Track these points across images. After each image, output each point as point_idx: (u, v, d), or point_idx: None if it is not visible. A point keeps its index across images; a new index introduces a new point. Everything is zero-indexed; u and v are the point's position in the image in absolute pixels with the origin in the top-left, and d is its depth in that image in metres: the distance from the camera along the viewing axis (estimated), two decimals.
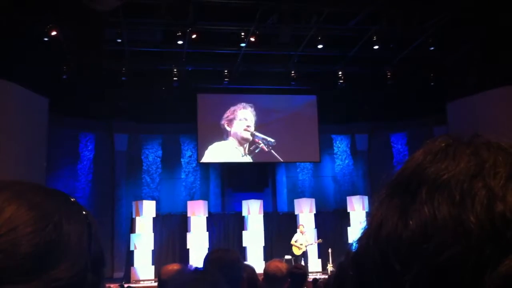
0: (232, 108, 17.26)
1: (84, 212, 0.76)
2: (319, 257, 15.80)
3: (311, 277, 10.76)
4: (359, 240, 0.60)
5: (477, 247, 0.50)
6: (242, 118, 17.23)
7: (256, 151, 17.08)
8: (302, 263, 13.59)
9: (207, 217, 16.15)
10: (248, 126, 17.17)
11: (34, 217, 0.69)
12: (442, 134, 0.62)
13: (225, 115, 17.17)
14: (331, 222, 16.92)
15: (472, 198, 0.52)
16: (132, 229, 15.81)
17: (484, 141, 0.58)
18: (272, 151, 17.08)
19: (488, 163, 0.54)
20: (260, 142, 17.10)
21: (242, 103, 17.31)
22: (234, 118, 17.20)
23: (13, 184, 0.73)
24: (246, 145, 17.09)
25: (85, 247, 0.72)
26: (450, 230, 0.51)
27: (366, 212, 0.70)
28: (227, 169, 17.77)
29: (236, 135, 17.10)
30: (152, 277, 15.04)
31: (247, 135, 17.12)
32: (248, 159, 17.08)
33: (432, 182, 0.54)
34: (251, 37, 13.68)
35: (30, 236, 0.67)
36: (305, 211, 16.56)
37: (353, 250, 0.60)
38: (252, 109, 17.31)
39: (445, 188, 0.53)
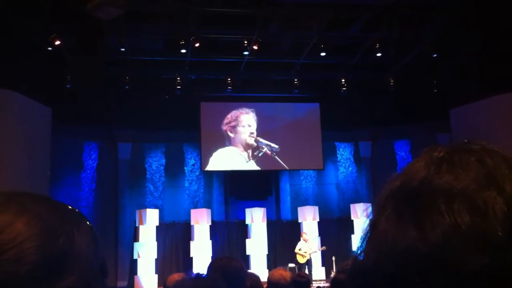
0: (234, 114, 17.25)
1: (88, 223, 0.78)
2: (323, 265, 15.76)
3: (315, 285, 10.74)
4: (366, 255, 0.58)
5: (504, 256, 0.49)
6: (246, 124, 17.26)
7: (260, 155, 17.09)
8: (306, 271, 13.57)
9: (210, 225, 16.14)
10: (251, 133, 17.20)
11: (44, 229, 0.70)
12: (434, 144, 0.62)
13: (226, 120, 17.18)
14: (334, 230, 16.89)
15: (492, 206, 0.51)
16: (135, 238, 15.80)
17: (483, 148, 0.58)
18: (276, 157, 17.10)
19: (498, 171, 0.54)
20: (263, 147, 17.13)
21: (244, 108, 17.33)
22: (237, 125, 17.22)
23: (19, 196, 0.74)
24: (250, 151, 17.12)
25: (93, 258, 0.74)
26: (475, 241, 0.50)
27: (363, 226, 0.66)
28: (230, 177, 17.78)
29: (241, 141, 17.12)
30: (156, 285, 15.03)
31: (252, 141, 17.15)
32: (252, 163, 17.08)
33: (447, 193, 0.53)
34: (253, 45, 13.72)
35: (41, 247, 0.68)
36: (309, 219, 16.54)
37: (357, 266, 0.59)
38: (254, 113, 17.34)
39: (462, 197, 0.53)
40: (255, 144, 17.14)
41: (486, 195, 0.52)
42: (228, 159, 16.98)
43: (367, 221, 0.62)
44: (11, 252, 0.67)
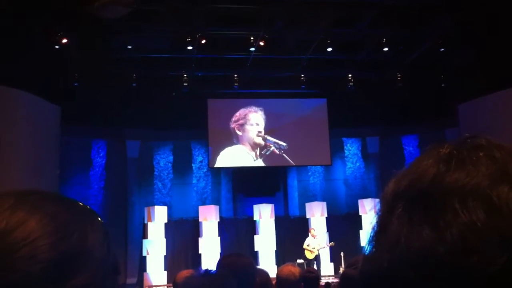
0: (242, 112, 17.24)
1: (100, 220, 0.78)
2: (331, 261, 15.75)
3: (323, 281, 10.73)
4: (379, 257, 0.57)
5: None
6: (254, 123, 17.24)
7: (267, 153, 17.09)
8: (315, 267, 13.56)
9: (218, 222, 16.16)
10: (259, 132, 17.19)
11: (57, 227, 0.71)
12: (439, 141, 0.61)
13: (235, 118, 17.17)
14: (343, 226, 16.85)
15: (506, 203, 0.51)
16: (144, 235, 15.86)
17: (490, 143, 0.57)
18: (284, 154, 17.08)
19: (509, 165, 0.54)
20: (271, 145, 17.12)
21: (253, 107, 17.31)
22: (245, 123, 17.21)
23: (32, 194, 0.75)
24: (257, 150, 17.11)
25: (106, 255, 0.74)
26: (492, 238, 0.49)
27: (371, 225, 0.64)
28: (238, 174, 17.78)
29: (249, 140, 17.10)
30: (165, 282, 15.08)
31: (259, 140, 17.13)
32: (260, 162, 17.09)
33: (460, 191, 0.52)
34: (260, 41, 13.70)
35: (54, 245, 0.69)
36: (317, 215, 16.53)
37: (370, 268, 0.58)
38: (262, 112, 17.33)
39: (476, 195, 0.52)
40: (262, 143, 17.12)
41: (499, 191, 0.51)
42: (235, 157, 16.99)
43: (375, 220, 0.61)
44: (25, 250, 0.67)
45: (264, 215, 16.30)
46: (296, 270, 3.66)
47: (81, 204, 0.79)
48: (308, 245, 14.45)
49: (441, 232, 0.51)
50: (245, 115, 17.25)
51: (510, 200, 0.50)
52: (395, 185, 0.59)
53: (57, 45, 12.82)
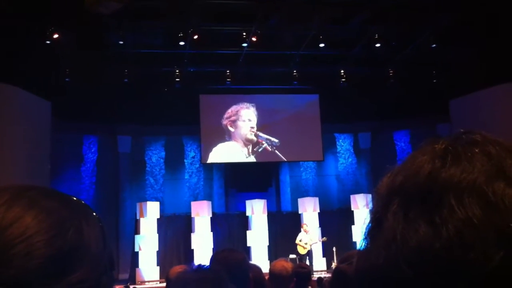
0: (234, 108, 17.24)
1: (96, 215, 0.78)
2: (323, 256, 15.80)
3: (316, 276, 10.76)
4: (375, 254, 0.56)
5: None
6: (246, 119, 17.24)
7: (260, 150, 17.10)
8: (307, 262, 13.60)
9: (211, 217, 16.15)
10: (252, 128, 17.19)
11: (53, 222, 0.70)
12: (434, 136, 0.60)
13: (227, 115, 17.17)
14: (335, 221, 16.89)
15: (501, 198, 0.50)
16: (136, 231, 15.83)
17: (485, 138, 0.57)
18: (276, 151, 17.11)
19: (504, 161, 0.53)
20: (263, 142, 17.13)
21: (245, 103, 17.32)
22: (237, 119, 17.20)
23: (27, 190, 0.74)
24: (250, 146, 17.12)
25: (102, 250, 0.74)
26: (488, 234, 0.49)
27: (365, 222, 0.64)
28: (230, 170, 17.79)
29: (241, 136, 17.11)
30: (157, 278, 15.07)
31: (252, 137, 17.14)
32: (252, 159, 17.11)
33: (456, 187, 0.52)
34: (252, 37, 13.69)
35: (51, 241, 0.69)
36: (309, 210, 16.56)
37: (366, 265, 0.57)
38: (254, 108, 17.33)
39: (471, 191, 0.51)
40: (255, 139, 17.13)
41: (495, 187, 0.51)
42: (228, 154, 16.99)
43: (369, 217, 0.60)
44: (21, 246, 0.67)
45: (257, 211, 16.31)
46: (288, 265, 3.67)
47: (76, 199, 0.79)
48: (300, 240, 14.48)
49: (437, 228, 0.51)
50: (237, 111, 17.25)
51: (506, 196, 0.50)
52: (390, 181, 0.58)
53: (48, 41, 12.74)
